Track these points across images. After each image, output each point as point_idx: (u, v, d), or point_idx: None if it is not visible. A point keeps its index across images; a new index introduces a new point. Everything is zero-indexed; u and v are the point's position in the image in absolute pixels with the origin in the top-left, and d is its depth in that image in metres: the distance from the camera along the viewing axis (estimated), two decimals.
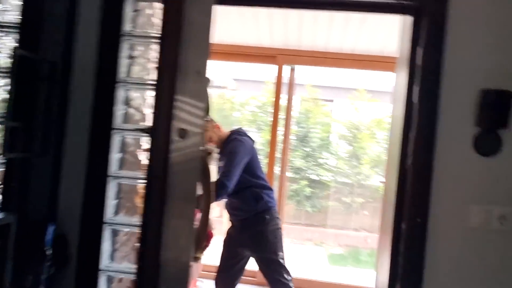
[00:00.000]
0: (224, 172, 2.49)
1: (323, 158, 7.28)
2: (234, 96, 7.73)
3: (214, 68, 7.89)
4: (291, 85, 4.19)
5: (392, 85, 2.04)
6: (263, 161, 2.96)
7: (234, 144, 2.58)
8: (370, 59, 3.97)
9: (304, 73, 7.33)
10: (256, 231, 2.58)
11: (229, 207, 2.73)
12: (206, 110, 1.53)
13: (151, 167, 1.25)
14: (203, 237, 1.64)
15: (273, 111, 4.16)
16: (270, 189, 2.71)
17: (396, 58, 3.87)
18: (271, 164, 4.08)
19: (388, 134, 6.73)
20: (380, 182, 7.08)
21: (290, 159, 7.07)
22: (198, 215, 1.78)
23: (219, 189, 2.42)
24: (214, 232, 2.37)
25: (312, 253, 6.42)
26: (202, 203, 1.53)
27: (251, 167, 2.60)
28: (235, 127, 2.83)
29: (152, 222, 1.22)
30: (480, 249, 1.57)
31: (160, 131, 1.24)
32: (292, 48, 3.99)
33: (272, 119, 4.13)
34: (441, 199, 1.59)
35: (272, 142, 4.12)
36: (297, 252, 6.37)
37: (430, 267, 1.58)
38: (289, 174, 7.08)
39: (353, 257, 6.46)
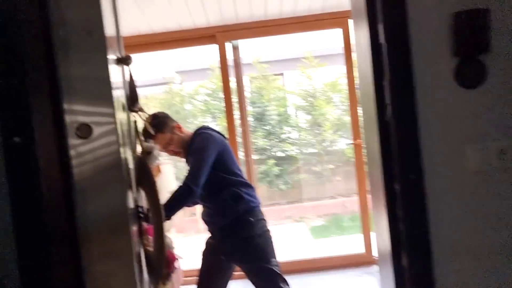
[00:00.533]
0: (188, 174, 2.14)
1: (285, 133, 7.09)
2: (181, 88, 7.36)
3: (154, 64, 7.52)
4: (237, 64, 3.91)
5: (351, 41, 1.79)
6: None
7: (198, 139, 2.24)
8: (313, 19, 3.75)
9: (248, 50, 7.08)
10: (240, 238, 2.22)
11: (205, 215, 2.38)
12: (132, 99, 1.20)
13: (32, 193, 0.83)
14: (160, 263, 1.23)
15: (224, 95, 3.88)
16: (251, 186, 2.35)
17: (339, 12, 3.59)
18: (233, 150, 3.81)
19: (344, 95, 6.48)
20: (347, 144, 6.99)
21: (253, 140, 6.84)
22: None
23: (183, 195, 2.12)
24: (175, 252, 2.11)
25: (294, 230, 6.27)
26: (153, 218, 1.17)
27: (225, 163, 2.25)
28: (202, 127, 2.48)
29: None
30: (485, 193, 1.38)
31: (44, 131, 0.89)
32: (230, 23, 3.70)
33: (225, 104, 3.86)
34: (432, 147, 1.38)
35: (230, 127, 3.85)
36: (279, 233, 6.20)
37: (435, 226, 1.38)
38: (254, 156, 6.86)
39: (335, 225, 6.36)
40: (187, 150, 2.28)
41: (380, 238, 1.65)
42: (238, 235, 2.22)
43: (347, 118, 6.99)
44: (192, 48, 7.54)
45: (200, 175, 2.11)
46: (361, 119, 5.20)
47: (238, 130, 4.01)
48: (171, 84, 7.20)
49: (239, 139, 3.99)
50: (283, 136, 7.06)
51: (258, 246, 2.22)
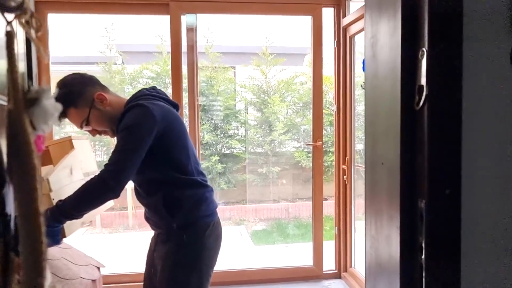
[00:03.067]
0: (108, 163, 1.53)
1: (232, 129, 6.61)
2: (123, 68, 6.63)
3: (94, 40, 6.74)
4: (192, 48, 3.39)
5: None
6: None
7: (128, 115, 1.57)
8: (282, 1, 3.33)
9: (202, 37, 6.54)
10: (165, 254, 1.69)
11: (144, 214, 1.82)
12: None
13: None
14: None
15: (172, 80, 3.35)
16: (204, 186, 1.73)
17: None
18: None
19: (298, 96, 6.17)
20: (295, 147, 6.66)
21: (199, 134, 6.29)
22: None
23: (96, 192, 1.52)
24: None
25: (233, 233, 5.81)
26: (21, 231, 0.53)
27: (170, 149, 1.62)
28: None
29: None
30: None
31: None
32: None
33: (172, 90, 3.33)
34: (475, 151, 0.98)
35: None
36: None
37: (468, 262, 0.98)
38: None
39: (278, 231, 5.99)
40: (117, 128, 1.63)
41: (375, 252, 1.25)
42: (165, 250, 1.71)
43: (299, 120, 6.69)
44: (139, 23, 6.88)
45: (125, 167, 1.51)
46: (330, 118, 4.90)
47: (185, 120, 3.50)
48: (111, 64, 6.46)
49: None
50: (230, 132, 6.58)
51: (172, 275, 1.68)
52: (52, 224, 1.49)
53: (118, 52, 7.60)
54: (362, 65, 2.78)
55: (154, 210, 1.69)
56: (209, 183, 1.80)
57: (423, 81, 0.96)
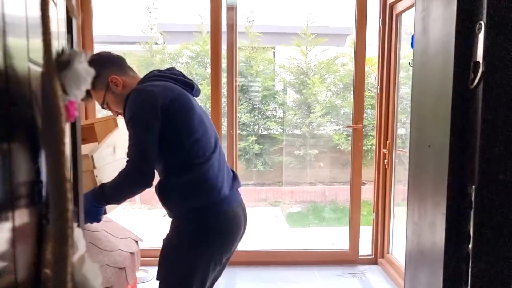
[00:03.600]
0: (128, 161, 1.49)
1: (270, 110, 6.56)
2: (163, 47, 6.70)
3: (136, 19, 6.83)
4: (232, 27, 3.35)
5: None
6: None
7: (129, 100, 1.52)
8: None
9: (242, 16, 6.47)
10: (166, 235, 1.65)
11: None
12: None
13: None
14: None
15: (211, 60, 3.33)
16: (205, 181, 1.56)
17: None
18: (216, 122, 3.29)
19: (339, 75, 6.02)
20: (334, 130, 6.54)
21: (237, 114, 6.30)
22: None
23: (128, 190, 1.52)
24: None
25: (269, 214, 5.84)
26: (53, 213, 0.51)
27: (171, 134, 1.51)
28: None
29: None
30: None
31: None
32: None
33: (211, 70, 3.32)
34: None
35: (215, 97, 3.32)
36: (253, 216, 5.76)
37: None
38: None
39: (314, 214, 5.96)
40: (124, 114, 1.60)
41: (417, 239, 1.20)
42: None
43: (339, 102, 6.55)
44: (180, 2, 6.90)
45: (143, 153, 1.46)
46: (371, 101, 4.73)
47: (224, 101, 3.50)
48: (152, 43, 6.53)
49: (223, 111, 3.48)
50: (268, 113, 6.54)
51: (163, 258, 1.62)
52: (96, 204, 1.53)
53: (159, 31, 7.68)
54: (411, 41, 2.63)
55: (157, 196, 1.65)
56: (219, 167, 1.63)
57: (479, 57, 0.89)
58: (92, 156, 1.60)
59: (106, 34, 6.51)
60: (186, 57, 6.51)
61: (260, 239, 4.68)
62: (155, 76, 1.65)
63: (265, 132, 6.52)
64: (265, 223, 5.48)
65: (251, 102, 6.46)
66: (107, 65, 1.67)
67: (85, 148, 1.65)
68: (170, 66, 1.77)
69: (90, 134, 2.14)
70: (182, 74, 1.72)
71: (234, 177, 1.75)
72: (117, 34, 6.99)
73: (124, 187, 1.53)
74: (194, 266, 1.56)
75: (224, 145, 3.41)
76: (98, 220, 1.58)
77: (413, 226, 1.21)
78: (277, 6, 7.07)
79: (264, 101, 6.48)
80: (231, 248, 1.67)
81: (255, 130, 6.46)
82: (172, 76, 1.66)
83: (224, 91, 3.57)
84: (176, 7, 7.19)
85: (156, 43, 7.12)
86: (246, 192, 6.28)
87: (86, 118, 3.27)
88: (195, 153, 1.54)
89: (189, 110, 1.56)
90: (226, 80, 3.44)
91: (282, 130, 6.58)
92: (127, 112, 1.52)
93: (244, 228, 1.73)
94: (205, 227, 1.56)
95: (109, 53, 1.73)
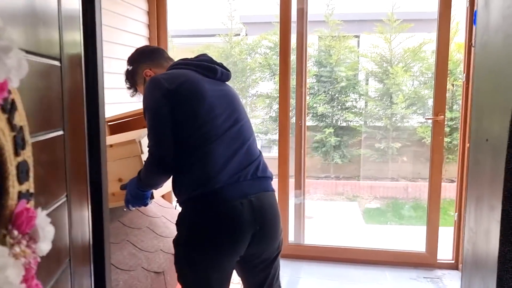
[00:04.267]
0: (148, 144, 1.52)
1: (350, 101, 6.32)
2: (243, 39, 6.78)
3: (218, 12, 6.99)
4: (302, 14, 3.25)
5: None
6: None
7: (143, 94, 1.53)
8: None
9: (323, 6, 6.30)
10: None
11: None
12: None
13: None
14: None
15: (280, 49, 3.27)
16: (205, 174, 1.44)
17: None
18: (284, 112, 3.23)
19: (427, 63, 5.54)
20: (419, 122, 6.10)
21: (313, 105, 6.17)
22: None
23: (154, 178, 1.55)
24: None
25: (345, 209, 5.65)
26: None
27: (179, 125, 1.45)
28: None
29: None
30: None
31: None
32: None
33: (280, 59, 3.25)
34: None
35: (283, 87, 3.25)
36: (328, 210, 5.62)
37: None
38: (310, 122, 6.21)
39: (393, 211, 5.63)
40: None
41: (472, 248, 1.04)
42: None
43: (426, 92, 6.08)
44: None
45: (156, 140, 1.46)
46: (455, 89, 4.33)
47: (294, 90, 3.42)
48: (232, 35, 6.63)
49: (293, 101, 3.40)
50: (347, 104, 6.30)
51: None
52: (140, 187, 1.58)
53: (241, 23, 7.80)
54: (473, 18, 2.30)
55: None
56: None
57: None
58: (140, 142, 1.65)
59: (185, 28, 6.76)
60: (264, 48, 6.51)
61: (332, 233, 4.54)
62: (176, 64, 1.63)
63: (343, 124, 6.30)
64: (340, 217, 5.31)
65: (329, 93, 6.28)
66: (141, 60, 1.71)
67: (133, 134, 1.71)
68: (202, 53, 1.71)
69: (140, 120, 2.21)
70: (208, 60, 1.64)
71: (262, 169, 1.56)
72: (197, 27, 7.22)
73: (149, 175, 1.56)
74: (193, 269, 1.46)
75: (292, 136, 3.35)
76: (145, 204, 1.62)
77: (469, 233, 1.05)
78: None
79: (344, 91, 6.25)
80: (235, 248, 1.46)
81: (333, 122, 6.27)
82: (194, 62, 1.60)
83: (294, 82, 3.49)
84: None
85: (238, 35, 7.23)
86: (323, 185, 6.14)
87: None
88: (196, 139, 1.45)
89: (195, 95, 1.48)
90: (296, 68, 3.35)
91: (362, 122, 6.31)
92: (143, 102, 1.52)
93: (257, 227, 1.47)
94: (197, 221, 1.45)
95: (146, 47, 1.81)
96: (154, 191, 1.64)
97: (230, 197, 1.42)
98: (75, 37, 0.82)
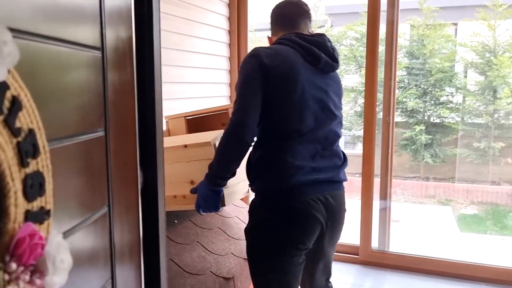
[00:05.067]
0: (231, 112, 1.46)
1: (445, 95, 5.75)
2: (329, 29, 6.52)
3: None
4: (392, 2, 2.95)
5: None
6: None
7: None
8: None
9: None
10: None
11: None
12: None
13: None
14: None
15: (367, 39, 3.00)
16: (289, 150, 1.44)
17: None
18: (371, 107, 2.97)
19: None
20: None
21: (403, 99, 5.73)
22: None
23: (228, 144, 1.44)
24: None
25: (437, 214, 5.16)
26: None
27: (269, 99, 1.42)
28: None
29: None
30: None
31: None
32: None
33: (366, 50, 2.99)
34: None
35: (370, 80, 2.98)
36: (416, 214, 5.18)
37: None
38: (400, 118, 5.78)
39: (493, 219, 5.02)
40: None
41: None
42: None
43: None
44: None
45: (243, 107, 1.41)
46: None
47: (382, 84, 3.14)
48: (316, 26, 6.39)
49: (380, 95, 3.12)
50: (442, 98, 5.75)
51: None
52: (209, 186, 1.48)
53: (326, 14, 7.51)
54: None
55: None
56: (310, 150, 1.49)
57: None
58: (214, 145, 1.55)
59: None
60: (350, 39, 6.18)
61: (421, 241, 4.15)
62: (285, 39, 1.55)
63: (437, 120, 5.76)
64: (430, 223, 4.86)
65: (421, 86, 5.77)
66: (272, 22, 1.70)
67: (209, 136, 1.61)
68: (317, 33, 1.63)
69: (228, 120, 2.13)
70: (318, 44, 1.53)
71: (342, 173, 1.59)
72: None
73: (224, 148, 1.44)
74: (260, 255, 1.50)
75: (378, 135, 3.07)
76: (217, 208, 1.51)
77: None
78: None
79: (438, 84, 5.71)
80: (305, 240, 1.47)
81: (425, 118, 5.76)
82: (300, 42, 1.51)
83: (382, 75, 3.20)
84: None
85: (323, 26, 6.98)
86: (411, 186, 5.68)
87: (238, 54, 3.33)
88: (280, 129, 1.45)
89: (289, 81, 1.44)
90: (384, 60, 3.06)
91: (459, 118, 5.72)
92: (239, 68, 1.52)
93: (328, 223, 1.51)
94: (272, 210, 1.47)
95: (288, 3, 1.69)
96: (225, 197, 1.52)
97: (306, 193, 1.44)
98: (122, 25, 0.72)
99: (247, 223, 1.54)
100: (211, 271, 1.62)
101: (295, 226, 1.44)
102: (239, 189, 1.62)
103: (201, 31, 2.84)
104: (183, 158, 1.59)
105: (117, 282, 0.67)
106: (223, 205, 1.53)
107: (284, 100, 1.44)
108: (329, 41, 1.59)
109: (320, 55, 1.51)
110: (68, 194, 0.54)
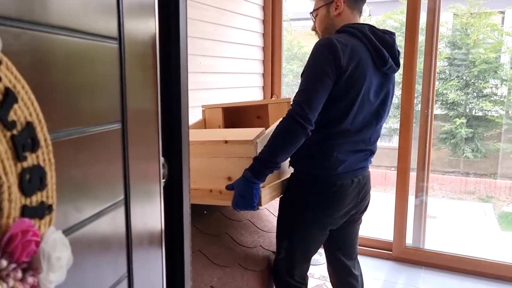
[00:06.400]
0: (294, 98, 1.48)
1: (489, 87, 5.48)
2: (367, 19, 6.33)
3: None
4: None
5: None
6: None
7: (315, 47, 1.48)
8: None
9: None
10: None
11: None
12: None
13: None
14: None
15: (406, 29, 2.89)
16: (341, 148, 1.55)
17: None
18: (408, 99, 2.86)
19: None
20: None
21: (443, 91, 5.51)
22: None
23: (288, 130, 1.44)
24: None
25: (477, 211, 4.96)
26: None
27: (330, 102, 1.46)
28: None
29: None
30: None
31: None
32: None
33: (405, 41, 2.88)
34: None
35: (408, 70, 2.87)
36: (455, 210, 5.00)
37: None
38: (439, 111, 5.56)
39: None
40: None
41: None
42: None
43: None
44: None
45: (309, 100, 1.41)
46: None
47: (421, 75, 3.02)
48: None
49: (419, 87, 3.00)
50: (485, 91, 5.49)
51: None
52: (249, 178, 1.45)
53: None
54: None
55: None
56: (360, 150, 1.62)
57: None
58: (256, 143, 1.51)
59: (305, 10, 6.53)
60: (389, 28, 5.98)
61: (459, 238, 4.00)
62: (358, 30, 1.52)
63: (479, 113, 5.50)
64: (469, 220, 4.68)
65: (463, 78, 5.52)
66: None
67: (251, 133, 1.57)
68: (388, 30, 1.62)
69: (265, 113, 2.10)
70: (387, 44, 1.53)
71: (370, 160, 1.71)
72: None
73: (282, 133, 1.44)
74: (291, 227, 1.64)
75: (415, 128, 2.96)
76: (254, 206, 1.47)
77: None
78: None
79: (482, 76, 5.44)
80: (339, 213, 1.63)
81: (466, 111, 5.52)
82: (373, 41, 1.50)
83: (420, 66, 3.07)
84: None
85: (362, 15, 6.78)
86: (450, 182, 5.48)
87: (272, 93, 3.30)
88: (333, 125, 1.52)
89: (356, 87, 1.48)
90: (424, 50, 2.94)
91: (503, 112, 5.44)
92: (309, 57, 1.49)
93: (358, 200, 1.66)
94: (311, 185, 1.59)
95: None
96: (262, 196, 1.48)
97: (343, 178, 1.57)
98: (144, 15, 0.70)
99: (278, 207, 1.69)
100: (239, 263, 1.61)
101: (331, 202, 1.58)
102: (275, 188, 1.60)
103: (236, 21, 2.82)
104: (222, 154, 1.57)
105: (133, 277, 0.66)
106: (260, 204, 1.49)
107: (345, 103, 1.48)
108: (395, 42, 1.60)
109: (388, 59, 1.52)
110: (79, 187, 0.53)
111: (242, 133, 1.62)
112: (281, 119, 1.49)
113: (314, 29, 1.72)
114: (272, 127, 1.62)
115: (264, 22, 3.21)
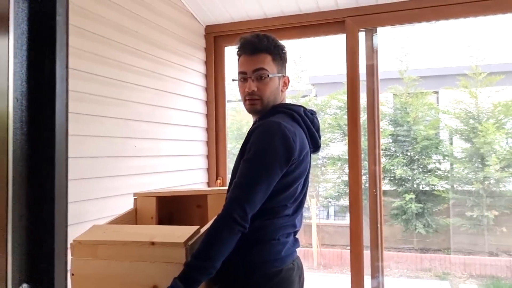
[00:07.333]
0: (234, 187, 1.34)
1: (432, 163, 5.65)
2: (312, 99, 6.55)
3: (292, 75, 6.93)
4: (373, 68, 2.92)
5: None
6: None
7: (266, 124, 1.37)
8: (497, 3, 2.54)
9: (396, 62, 5.94)
10: None
11: None
12: None
13: None
14: None
15: (348, 105, 2.92)
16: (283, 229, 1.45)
17: None
18: (355, 179, 2.79)
19: None
20: None
21: (390, 167, 5.60)
22: None
23: (223, 227, 1.28)
24: None
25: None
26: None
27: (282, 187, 1.38)
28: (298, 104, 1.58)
29: None
30: None
31: None
32: (365, 4, 2.75)
33: (348, 117, 2.89)
34: None
35: (352, 148, 2.85)
36: None
37: None
38: (388, 187, 5.60)
39: None
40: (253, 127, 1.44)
41: None
42: None
43: None
44: (328, 53, 6.73)
45: (253, 198, 1.29)
46: None
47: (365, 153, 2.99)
48: (299, 96, 6.43)
49: (365, 164, 2.96)
50: (429, 166, 5.64)
51: None
52: (191, 271, 1.23)
53: (310, 84, 7.61)
54: None
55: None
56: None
57: None
58: (188, 248, 1.29)
59: None
60: (334, 108, 6.18)
61: None
62: (297, 114, 1.46)
63: (426, 188, 5.59)
64: None
65: (408, 154, 5.67)
66: (285, 62, 1.59)
67: (182, 233, 1.35)
68: (313, 110, 1.60)
69: (205, 202, 1.90)
70: (318, 128, 1.55)
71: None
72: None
73: (220, 235, 1.26)
74: None
75: (365, 202, 2.87)
76: None
77: None
78: (435, 47, 6.30)
79: (425, 152, 5.62)
80: None
81: (414, 186, 5.60)
82: (310, 127, 1.49)
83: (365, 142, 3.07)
84: (324, 57, 7.04)
85: (307, 96, 7.02)
86: (406, 259, 5.36)
87: (217, 175, 3.13)
88: (273, 210, 1.40)
89: (300, 174, 1.42)
90: (367, 128, 2.94)
91: (448, 186, 5.57)
92: (257, 142, 1.35)
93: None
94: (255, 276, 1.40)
95: None
96: None
97: (288, 262, 1.44)
98: None
99: None
100: None
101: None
102: None
103: (176, 102, 2.72)
104: (147, 257, 1.32)
105: None
106: None
107: (289, 192, 1.40)
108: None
109: (319, 143, 1.53)
110: None
111: (173, 233, 1.40)
112: (216, 216, 1.31)
113: (253, 91, 1.46)
114: (208, 225, 1.43)
115: (207, 103, 3.14)
